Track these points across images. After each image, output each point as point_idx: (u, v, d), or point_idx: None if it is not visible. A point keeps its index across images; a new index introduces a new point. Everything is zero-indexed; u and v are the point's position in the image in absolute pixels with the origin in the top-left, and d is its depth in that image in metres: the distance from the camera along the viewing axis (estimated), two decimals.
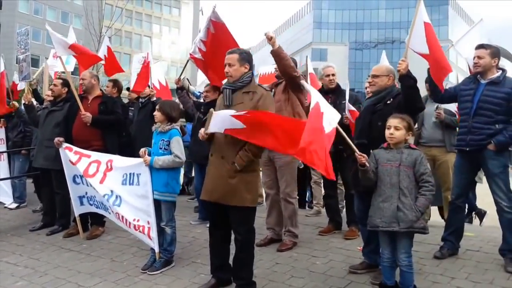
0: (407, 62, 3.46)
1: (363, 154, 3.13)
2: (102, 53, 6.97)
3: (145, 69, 6.12)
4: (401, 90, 3.54)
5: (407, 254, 3.12)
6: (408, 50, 3.75)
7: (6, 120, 6.92)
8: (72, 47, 5.32)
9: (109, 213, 4.53)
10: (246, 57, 3.45)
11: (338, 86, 5.00)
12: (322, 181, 5.80)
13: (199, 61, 5.13)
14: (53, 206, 5.45)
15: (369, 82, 3.79)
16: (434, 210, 5.60)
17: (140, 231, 4.15)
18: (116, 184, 4.31)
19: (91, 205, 4.81)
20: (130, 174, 4.24)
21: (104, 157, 4.54)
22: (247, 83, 3.41)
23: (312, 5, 67.77)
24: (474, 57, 3.89)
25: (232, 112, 3.23)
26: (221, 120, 3.28)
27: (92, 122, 4.97)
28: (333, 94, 4.89)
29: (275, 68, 4.54)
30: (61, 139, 4.87)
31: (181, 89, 5.69)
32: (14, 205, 6.77)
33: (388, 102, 3.59)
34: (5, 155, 6.83)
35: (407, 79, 3.43)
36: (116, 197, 4.32)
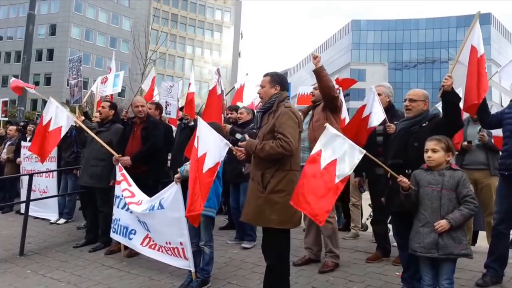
0: (452, 79, 3.40)
1: (405, 179, 3.07)
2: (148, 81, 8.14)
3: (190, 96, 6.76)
4: (443, 106, 3.50)
5: (449, 281, 3.01)
6: (455, 67, 3.69)
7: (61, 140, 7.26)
8: None
9: (130, 240, 4.73)
10: (277, 79, 3.51)
11: (389, 107, 4.79)
12: (360, 203, 5.74)
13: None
14: (97, 223, 5.66)
15: (406, 106, 3.72)
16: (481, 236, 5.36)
17: (172, 254, 4.25)
18: (140, 213, 4.49)
19: (113, 232, 5.01)
20: (154, 203, 4.39)
21: (140, 195, 4.70)
22: (273, 103, 3.43)
23: (350, 26, 67.77)
24: None
25: None
26: None
27: (133, 162, 5.08)
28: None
29: (314, 88, 4.58)
30: (118, 156, 5.08)
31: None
32: (63, 220, 7.10)
33: (424, 125, 3.54)
34: (54, 173, 7.17)
35: (451, 95, 3.37)
36: (143, 223, 4.51)
